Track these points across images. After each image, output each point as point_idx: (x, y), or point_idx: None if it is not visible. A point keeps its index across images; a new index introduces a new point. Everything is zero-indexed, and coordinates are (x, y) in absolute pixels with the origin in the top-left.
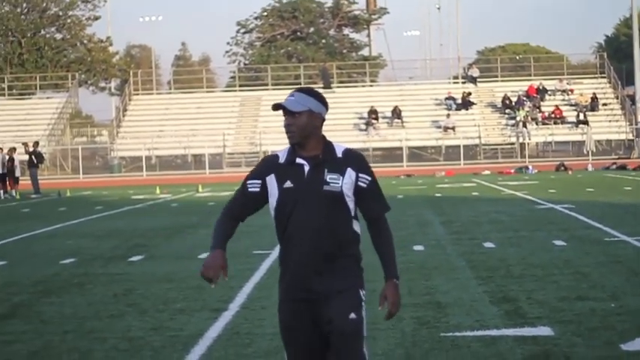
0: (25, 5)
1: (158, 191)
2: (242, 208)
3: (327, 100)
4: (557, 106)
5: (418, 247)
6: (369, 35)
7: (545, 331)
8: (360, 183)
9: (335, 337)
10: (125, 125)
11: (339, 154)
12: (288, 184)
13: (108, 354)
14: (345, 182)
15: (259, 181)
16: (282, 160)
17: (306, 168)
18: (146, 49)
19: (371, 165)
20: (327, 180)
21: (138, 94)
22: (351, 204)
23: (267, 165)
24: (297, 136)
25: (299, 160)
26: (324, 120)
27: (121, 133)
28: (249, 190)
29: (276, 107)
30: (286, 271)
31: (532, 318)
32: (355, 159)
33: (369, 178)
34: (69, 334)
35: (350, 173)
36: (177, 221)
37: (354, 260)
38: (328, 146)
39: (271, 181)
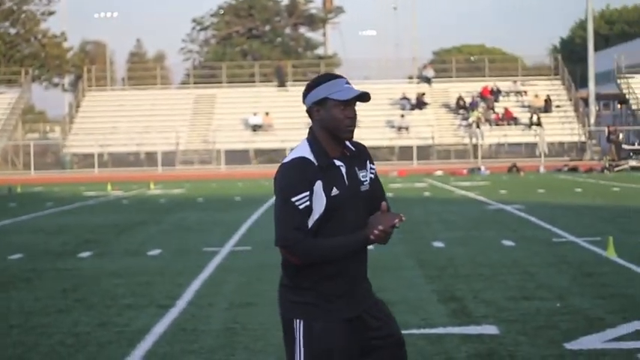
0: None
1: (110, 188)
2: (306, 228)
3: (283, 99)
4: (506, 108)
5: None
6: (324, 34)
7: (490, 329)
8: (370, 174)
9: (395, 351)
10: (78, 121)
11: (354, 148)
12: (334, 191)
13: (54, 349)
14: (368, 176)
15: (308, 194)
16: (316, 162)
17: (343, 170)
18: (101, 45)
19: None
20: (361, 179)
21: (91, 90)
22: None
23: (308, 171)
24: (354, 129)
25: (337, 162)
26: None
27: (74, 130)
28: (302, 207)
29: (365, 97)
30: (330, 285)
31: (478, 317)
32: (366, 150)
33: (374, 167)
34: (14, 329)
35: (368, 166)
36: (128, 218)
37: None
38: (342, 141)
39: (319, 189)
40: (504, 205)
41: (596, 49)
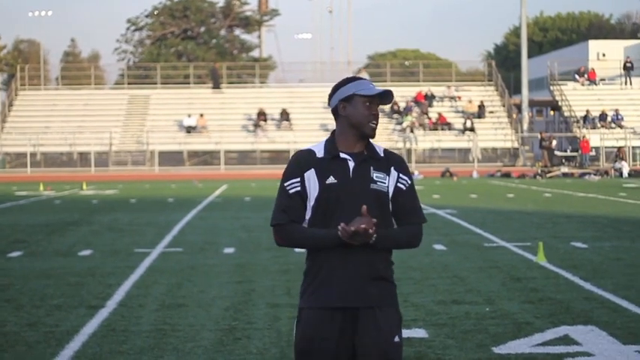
0: None
1: (42, 188)
2: (295, 211)
3: (218, 101)
4: (440, 113)
5: (299, 250)
6: (259, 36)
7: (419, 333)
8: (399, 184)
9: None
10: (11, 120)
11: (381, 154)
12: (331, 179)
13: None
14: (391, 183)
15: (298, 180)
16: (320, 154)
17: (351, 164)
18: (35, 44)
19: (257, 166)
20: (374, 178)
21: (25, 90)
22: (391, 208)
23: (304, 160)
24: (376, 128)
25: (343, 156)
26: None
27: (6, 129)
28: (291, 191)
29: (390, 95)
30: (319, 276)
31: (407, 320)
32: (398, 160)
33: (409, 182)
34: None
35: (393, 174)
36: (59, 218)
37: (390, 272)
38: (370, 144)
39: (311, 176)
40: (437, 209)
41: (530, 55)
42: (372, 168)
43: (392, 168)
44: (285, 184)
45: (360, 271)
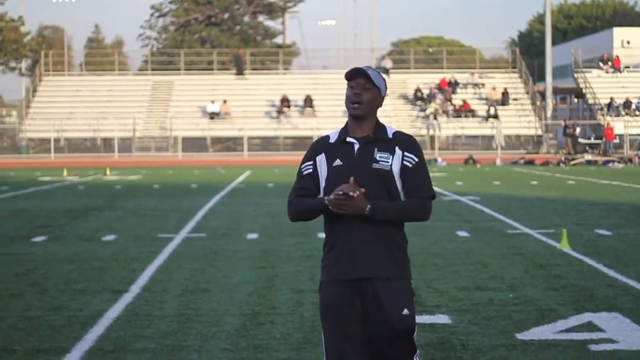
0: None
1: (65, 173)
2: (307, 191)
3: (241, 87)
4: (464, 100)
5: (321, 235)
6: (283, 23)
7: (442, 319)
8: (405, 162)
9: (385, 332)
10: (35, 106)
11: (390, 135)
12: (337, 162)
13: (5, 332)
14: (395, 162)
15: (311, 162)
16: (332, 140)
17: (356, 146)
18: (59, 30)
19: (280, 152)
20: (377, 158)
21: (49, 75)
22: (399, 186)
23: (318, 145)
24: (362, 108)
25: (349, 139)
26: (380, 105)
27: (30, 114)
28: (305, 173)
29: (357, 72)
30: (333, 251)
31: (431, 306)
32: (405, 139)
33: (416, 159)
34: None
35: (398, 152)
36: (83, 203)
37: (400, 247)
38: (380, 127)
39: (321, 160)
40: (460, 196)
41: (554, 43)
42: (376, 149)
43: (396, 147)
44: (301, 167)
45: (368, 245)
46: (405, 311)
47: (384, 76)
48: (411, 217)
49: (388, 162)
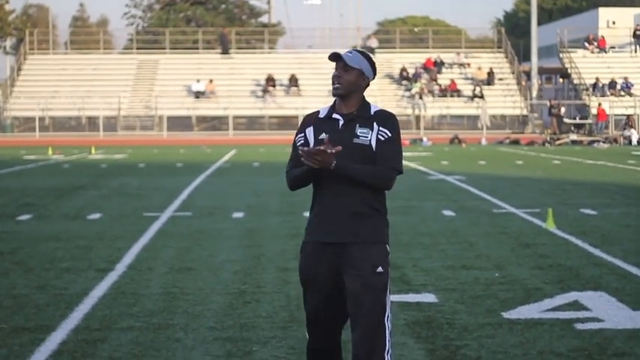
0: None
1: (50, 152)
2: (299, 161)
3: (226, 67)
4: (452, 79)
5: (306, 214)
6: (269, 2)
7: (429, 297)
8: (379, 136)
9: (360, 289)
10: (19, 85)
11: (372, 113)
12: (323, 135)
13: None
14: (373, 137)
15: (302, 135)
16: (322, 115)
17: (341, 122)
18: (43, 8)
19: (266, 132)
20: (358, 133)
21: (33, 54)
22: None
23: (308, 119)
24: (342, 88)
25: (335, 116)
26: (368, 84)
27: (15, 93)
28: (298, 144)
29: (334, 56)
30: (316, 215)
31: (417, 285)
32: (382, 116)
33: (389, 134)
34: None
35: (375, 128)
36: (68, 182)
37: (379, 214)
38: (364, 105)
39: (310, 132)
40: (445, 175)
41: (540, 23)
42: (357, 125)
43: (374, 123)
44: (295, 139)
45: (347, 211)
46: (380, 269)
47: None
48: (373, 181)
49: (367, 137)
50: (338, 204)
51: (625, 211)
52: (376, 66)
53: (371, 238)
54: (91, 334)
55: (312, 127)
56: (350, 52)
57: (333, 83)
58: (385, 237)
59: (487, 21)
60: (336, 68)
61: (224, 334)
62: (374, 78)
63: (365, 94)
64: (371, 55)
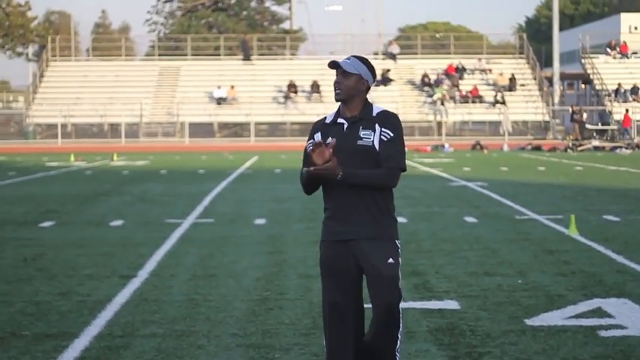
0: None
1: (73, 159)
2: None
3: (248, 73)
4: (475, 85)
5: None
6: (290, 8)
7: (451, 304)
8: (382, 137)
9: (375, 279)
10: (42, 92)
11: (374, 114)
12: (329, 140)
13: (14, 317)
14: (375, 138)
15: (312, 140)
16: (328, 120)
17: (345, 126)
18: (65, 15)
19: (287, 138)
20: (361, 135)
21: (56, 61)
22: None
23: (316, 125)
24: (342, 93)
25: (340, 120)
26: (369, 87)
27: (37, 100)
28: (308, 150)
29: (333, 64)
30: (329, 217)
31: (439, 292)
32: (385, 117)
33: (391, 134)
34: None
35: (377, 129)
36: (91, 189)
37: (387, 212)
38: (367, 107)
39: (318, 137)
40: (467, 182)
41: (562, 28)
42: (360, 127)
43: (376, 124)
44: (306, 145)
45: (356, 211)
46: (390, 260)
47: (390, 61)
48: (378, 182)
49: (370, 138)
50: (348, 204)
51: None
52: (395, 72)
53: (381, 235)
54: (113, 340)
55: (319, 133)
56: (348, 59)
57: (335, 89)
58: (395, 233)
59: (509, 26)
60: (336, 75)
61: (246, 341)
62: (374, 81)
63: (387, 100)
64: (369, 60)
